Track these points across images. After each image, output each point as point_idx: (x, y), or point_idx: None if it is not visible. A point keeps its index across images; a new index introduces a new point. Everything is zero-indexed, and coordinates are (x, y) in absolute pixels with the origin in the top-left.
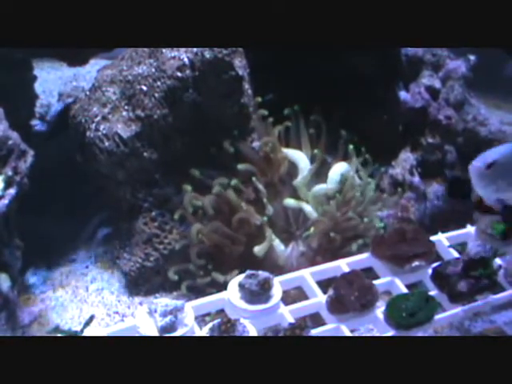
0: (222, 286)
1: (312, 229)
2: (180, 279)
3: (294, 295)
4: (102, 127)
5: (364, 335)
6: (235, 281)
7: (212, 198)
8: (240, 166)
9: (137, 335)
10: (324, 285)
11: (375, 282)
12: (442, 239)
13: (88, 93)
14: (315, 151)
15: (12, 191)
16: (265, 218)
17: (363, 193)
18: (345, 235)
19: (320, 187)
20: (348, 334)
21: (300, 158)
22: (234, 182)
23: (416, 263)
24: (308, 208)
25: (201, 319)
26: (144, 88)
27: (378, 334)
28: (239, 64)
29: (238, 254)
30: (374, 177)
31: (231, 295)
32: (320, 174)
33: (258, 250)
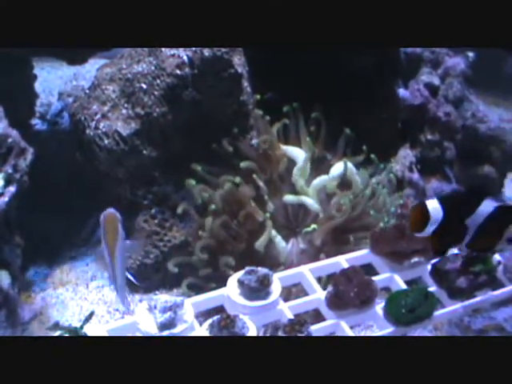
0: (222, 282)
1: (313, 225)
2: (180, 276)
3: (296, 292)
4: (101, 125)
5: (364, 335)
6: (234, 277)
7: (222, 193)
8: (242, 164)
9: (136, 335)
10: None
11: (374, 278)
12: None
13: (88, 91)
14: (307, 139)
15: (12, 189)
16: (267, 215)
17: (367, 191)
18: (356, 234)
19: (320, 179)
20: (347, 330)
21: (299, 155)
22: (237, 179)
23: (415, 259)
24: (309, 201)
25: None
26: (143, 86)
27: (377, 331)
28: (238, 62)
29: (239, 252)
30: (376, 174)
31: (230, 291)
32: (320, 173)
33: (259, 243)
